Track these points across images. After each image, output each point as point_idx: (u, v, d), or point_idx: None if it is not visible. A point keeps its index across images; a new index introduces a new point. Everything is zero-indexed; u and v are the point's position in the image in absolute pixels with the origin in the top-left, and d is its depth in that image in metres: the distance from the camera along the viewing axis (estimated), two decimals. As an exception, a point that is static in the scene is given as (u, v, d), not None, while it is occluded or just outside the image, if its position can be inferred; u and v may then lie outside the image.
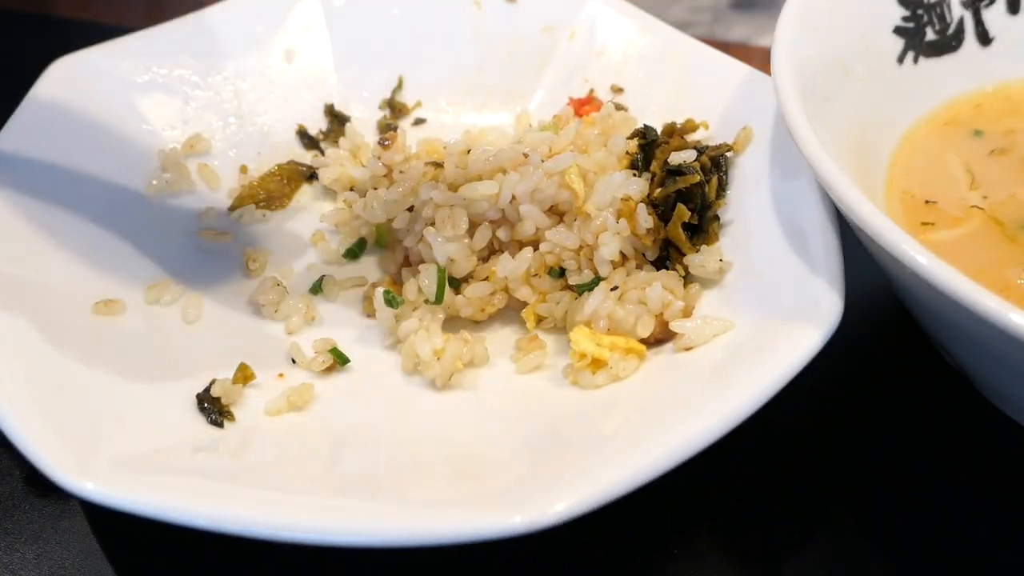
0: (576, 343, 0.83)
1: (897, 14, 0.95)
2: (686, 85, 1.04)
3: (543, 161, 0.89)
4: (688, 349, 0.82)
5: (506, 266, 0.89)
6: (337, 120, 1.13)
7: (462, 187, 0.89)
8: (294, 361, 0.87)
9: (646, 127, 0.96)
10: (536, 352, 0.87)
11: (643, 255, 0.90)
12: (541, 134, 0.95)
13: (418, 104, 1.15)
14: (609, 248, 0.86)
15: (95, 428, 0.72)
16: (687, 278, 0.88)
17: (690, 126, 0.98)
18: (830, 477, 0.83)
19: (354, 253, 0.99)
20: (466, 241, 0.90)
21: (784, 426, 0.83)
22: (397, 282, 0.94)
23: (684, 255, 0.88)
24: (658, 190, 0.89)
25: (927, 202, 0.86)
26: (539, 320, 0.90)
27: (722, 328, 0.81)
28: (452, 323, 0.90)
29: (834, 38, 0.89)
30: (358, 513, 0.66)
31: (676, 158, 0.89)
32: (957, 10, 0.98)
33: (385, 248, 1.00)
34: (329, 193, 1.06)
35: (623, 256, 0.88)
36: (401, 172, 0.97)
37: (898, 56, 0.95)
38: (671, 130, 0.97)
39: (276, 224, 1.03)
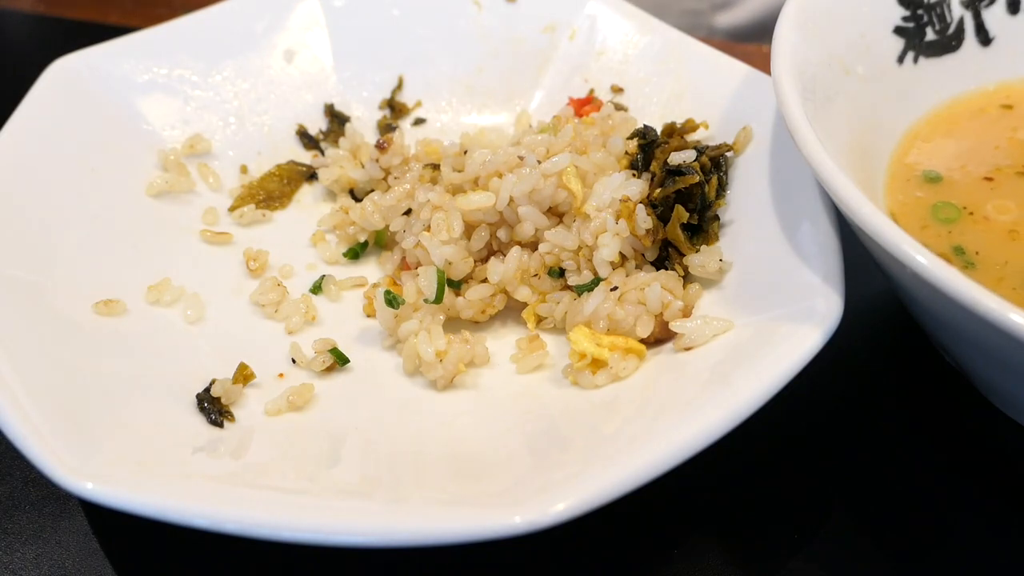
0: (576, 343, 0.83)
1: (897, 14, 0.95)
2: (686, 85, 1.04)
3: (540, 162, 0.89)
4: (688, 349, 0.82)
5: (498, 270, 0.89)
6: (337, 120, 1.12)
7: (458, 197, 0.89)
8: (294, 361, 0.87)
9: (646, 127, 0.96)
10: (536, 352, 0.87)
11: (642, 255, 0.90)
12: (539, 136, 0.95)
13: (418, 104, 1.15)
14: (609, 249, 0.86)
15: (95, 428, 0.72)
16: (687, 278, 0.88)
17: (690, 126, 0.98)
18: (830, 477, 0.83)
19: (355, 253, 0.99)
20: (463, 243, 0.90)
21: (784, 426, 0.83)
22: (398, 282, 0.94)
23: (683, 255, 0.88)
24: (657, 190, 0.89)
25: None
26: (539, 320, 0.90)
27: (722, 328, 0.81)
28: (452, 323, 0.90)
29: (834, 38, 0.89)
30: (358, 513, 0.66)
31: (676, 158, 0.89)
32: (957, 10, 0.98)
33: (384, 248, 1.00)
34: (329, 193, 1.06)
35: (622, 256, 0.88)
36: (396, 178, 0.97)
37: (898, 56, 0.95)
38: (671, 130, 0.97)
39: (276, 224, 1.03)
